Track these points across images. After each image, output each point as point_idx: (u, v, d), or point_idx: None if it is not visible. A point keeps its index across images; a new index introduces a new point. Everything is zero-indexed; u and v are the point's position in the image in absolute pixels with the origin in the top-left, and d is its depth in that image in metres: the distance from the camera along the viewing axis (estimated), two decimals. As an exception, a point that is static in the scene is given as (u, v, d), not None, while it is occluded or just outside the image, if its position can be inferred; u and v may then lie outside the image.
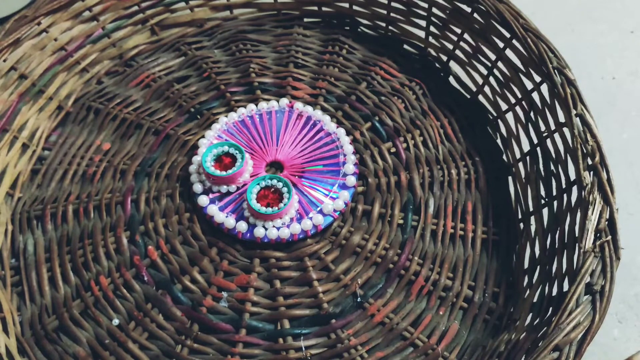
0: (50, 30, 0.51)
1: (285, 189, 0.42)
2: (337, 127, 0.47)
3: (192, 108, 0.51)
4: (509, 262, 0.43)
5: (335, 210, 0.43)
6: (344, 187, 0.44)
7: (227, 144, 0.45)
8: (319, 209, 0.43)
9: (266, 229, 0.42)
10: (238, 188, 0.44)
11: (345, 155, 0.46)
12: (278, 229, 0.42)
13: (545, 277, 0.39)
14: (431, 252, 0.43)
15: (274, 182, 0.43)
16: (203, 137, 0.47)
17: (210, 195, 0.44)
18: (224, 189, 0.44)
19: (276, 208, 0.41)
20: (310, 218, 0.42)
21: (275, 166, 0.46)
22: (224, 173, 0.43)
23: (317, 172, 0.45)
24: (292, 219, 0.42)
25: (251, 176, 0.44)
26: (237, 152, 0.44)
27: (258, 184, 0.43)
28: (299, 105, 0.48)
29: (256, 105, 0.49)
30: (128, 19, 0.56)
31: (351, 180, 0.44)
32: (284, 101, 0.49)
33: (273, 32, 0.58)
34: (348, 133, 0.48)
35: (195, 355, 0.39)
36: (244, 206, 0.43)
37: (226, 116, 0.48)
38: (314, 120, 0.48)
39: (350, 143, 0.47)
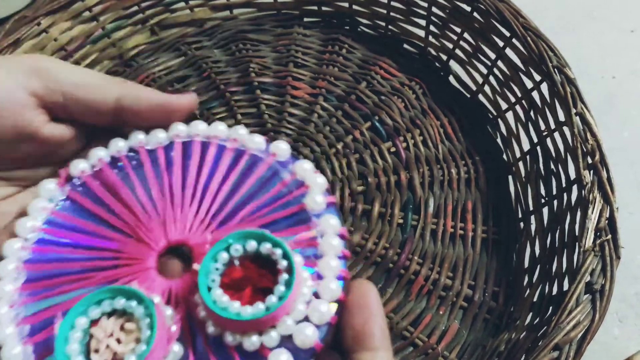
0: (50, 30, 0.51)
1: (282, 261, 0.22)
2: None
3: (192, 108, 0.51)
4: (509, 261, 0.43)
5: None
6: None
7: (109, 294, 0.21)
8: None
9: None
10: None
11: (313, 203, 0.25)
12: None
13: (545, 276, 0.39)
14: (431, 252, 0.43)
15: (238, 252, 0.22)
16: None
17: None
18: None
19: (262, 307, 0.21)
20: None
21: (176, 252, 0.25)
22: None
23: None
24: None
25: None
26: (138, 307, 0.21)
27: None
28: (181, 130, 0.28)
29: (125, 140, 0.28)
30: (128, 19, 0.56)
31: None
32: (173, 129, 0.28)
33: (273, 32, 0.58)
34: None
35: None
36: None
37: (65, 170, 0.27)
38: (243, 155, 0.27)
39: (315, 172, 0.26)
